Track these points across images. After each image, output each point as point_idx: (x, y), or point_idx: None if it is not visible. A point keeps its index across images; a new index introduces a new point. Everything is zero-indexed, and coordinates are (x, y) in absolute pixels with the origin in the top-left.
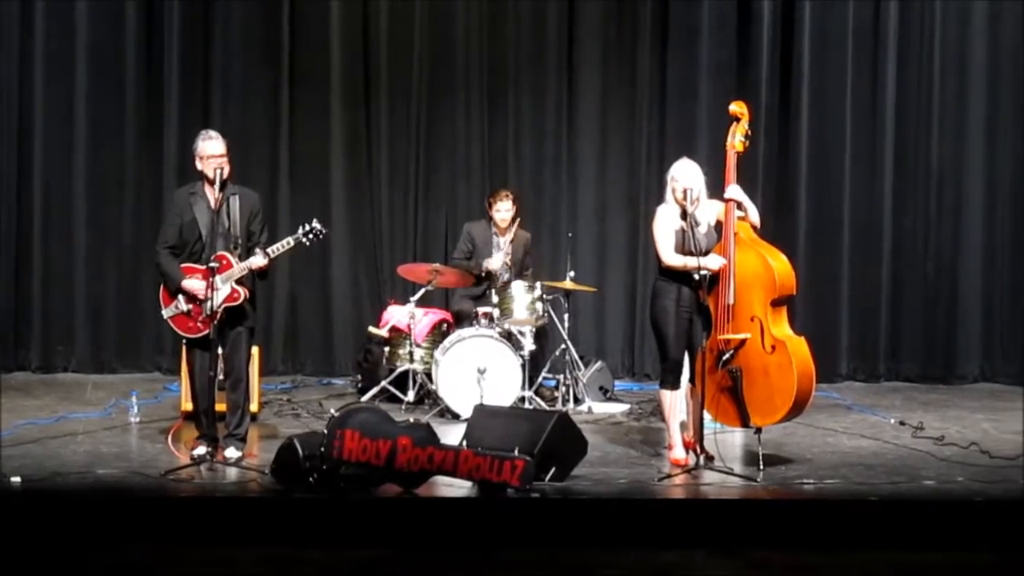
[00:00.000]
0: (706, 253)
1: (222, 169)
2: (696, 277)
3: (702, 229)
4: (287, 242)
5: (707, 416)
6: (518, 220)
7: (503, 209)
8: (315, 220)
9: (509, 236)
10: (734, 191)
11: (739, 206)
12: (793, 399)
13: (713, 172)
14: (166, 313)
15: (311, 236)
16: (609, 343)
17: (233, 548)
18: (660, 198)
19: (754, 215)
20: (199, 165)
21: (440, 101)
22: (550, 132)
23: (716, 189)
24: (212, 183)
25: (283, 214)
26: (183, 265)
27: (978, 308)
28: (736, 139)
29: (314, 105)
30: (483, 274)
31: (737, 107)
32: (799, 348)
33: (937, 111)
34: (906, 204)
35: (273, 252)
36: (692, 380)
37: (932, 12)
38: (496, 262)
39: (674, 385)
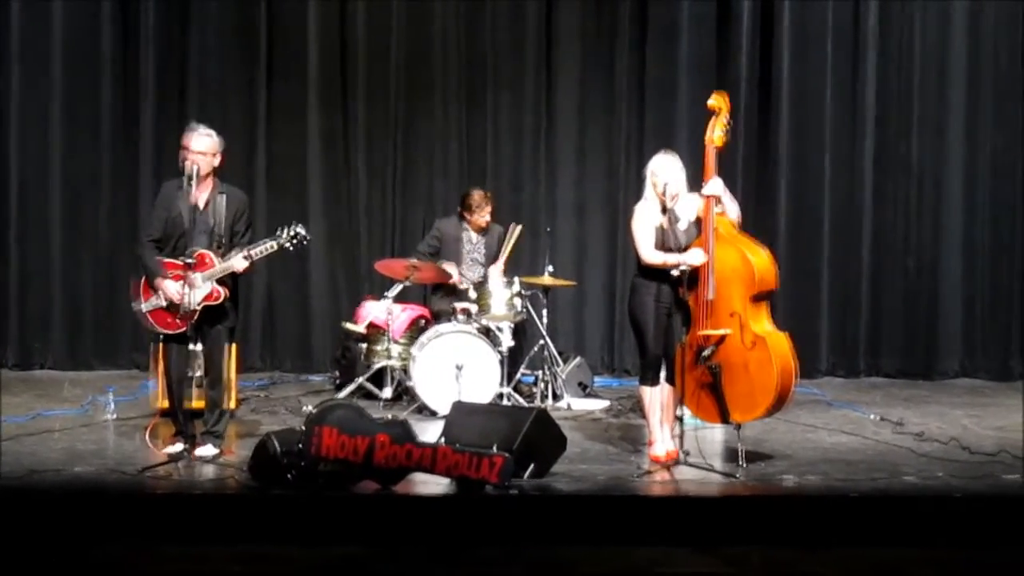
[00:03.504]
0: (686, 249)
1: (197, 166)
2: (676, 273)
3: (682, 225)
4: (269, 246)
5: (687, 413)
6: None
7: (485, 213)
8: (298, 225)
9: (484, 238)
10: (714, 186)
11: (719, 201)
12: (774, 395)
13: (693, 168)
14: (145, 307)
15: (295, 242)
16: (588, 339)
17: (210, 546)
18: (639, 194)
19: (734, 210)
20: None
21: (418, 99)
22: (528, 129)
23: (696, 185)
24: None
25: (261, 212)
26: (164, 260)
27: (958, 304)
28: (715, 133)
29: (292, 103)
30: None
31: (716, 100)
32: (780, 344)
33: (917, 108)
34: (886, 200)
35: (254, 255)
36: (671, 376)
37: (912, 10)
38: (454, 271)
39: (653, 381)
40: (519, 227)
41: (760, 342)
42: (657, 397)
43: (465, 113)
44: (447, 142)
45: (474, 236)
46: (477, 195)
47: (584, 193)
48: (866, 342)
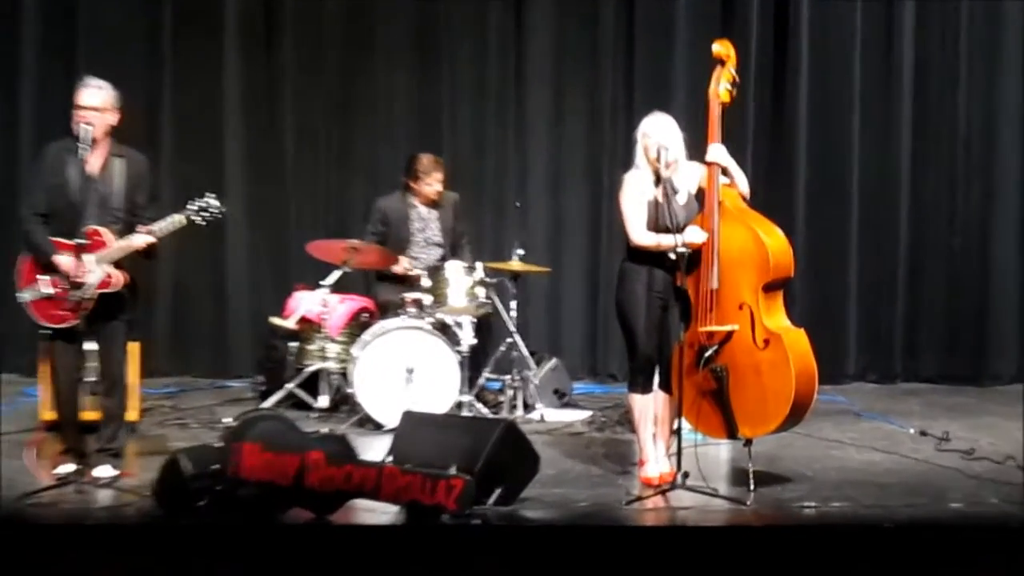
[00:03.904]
0: (684, 227)
1: (90, 125)
2: (672, 256)
3: (680, 198)
4: (176, 220)
5: (686, 426)
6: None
7: (435, 182)
8: (209, 195)
9: (437, 211)
10: (718, 152)
11: (724, 171)
12: (790, 404)
13: (693, 130)
14: (24, 296)
15: (206, 215)
16: (566, 336)
17: None
18: (628, 162)
19: (742, 182)
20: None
21: (359, 48)
22: (493, 84)
23: (697, 150)
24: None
25: (167, 181)
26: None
27: (1014, 293)
28: (721, 87)
29: (204, 54)
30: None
31: (721, 48)
32: (797, 342)
33: (964, 59)
34: (927, 171)
35: (159, 231)
36: (666, 382)
37: None
38: (405, 265)
39: (645, 388)
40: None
41: (774, 340)
42: (650, 407)
43: (416, 66)
44: (393, 100)
45: (424, 211)
46: (425, 160)
47: (561, 161)
48: (902, 340)
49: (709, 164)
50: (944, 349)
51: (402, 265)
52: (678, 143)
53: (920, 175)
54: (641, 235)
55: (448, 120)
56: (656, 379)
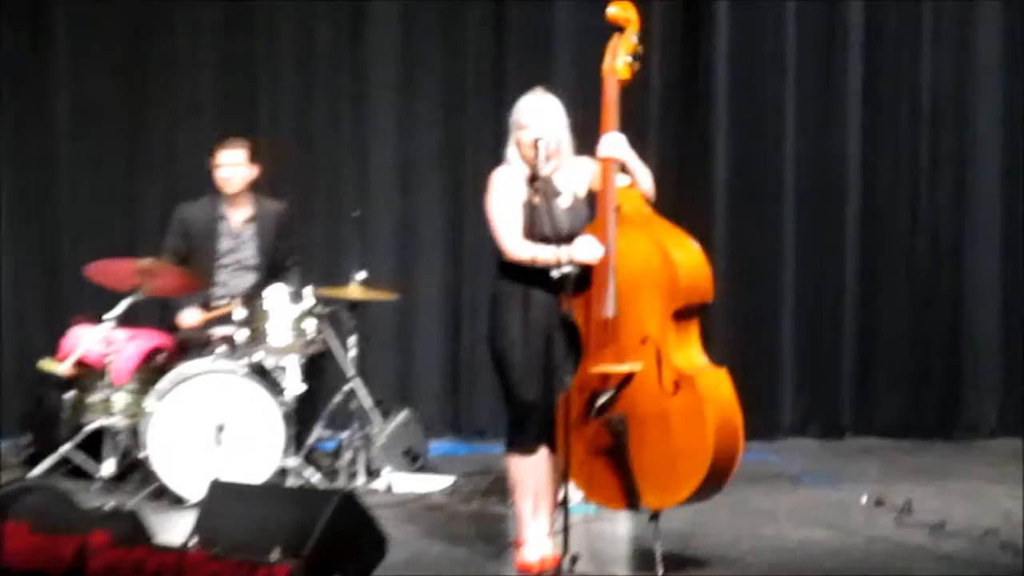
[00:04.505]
0: (571, 238)
1: None
2: (555, 275)
3: (564, 201)
4: None
5: (575, 494)
6: (254, 184)
7: (227, 162)
8: None
9: (244, 211)
10: (615, 144)
11: (623, 168)
12: (707, 466)
13: (583, 113)
14: None
15: None
16: (420, 381)
17: None
18: (497, 156)
19: (645, 180)
20: None
21: (152, 11)
22: (323, 52)
23: (587, 141)
24: None
25: None
26: None
27: (995, 316)
28: (619, 60)
29: None
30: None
31: (619, 10)
32: (717, 386)
33: (929, 14)
34: (882, 158)
35: None
36: (550, 437)
37: None
38: (192, 318)
39: (526, 447)
40: None
41: (687, 383)
42: (532, 472)
43: (223, 29)
44: (195, 74)
45: (235, 223)
46: (224, 141)
47: (411, 151)
48: (852, 381)
49: (603, 159)
50: (906, 393)
51: (188, 320)
52: (560, 131)
53: (873, 164)
54: (515, 245)
55: (266, 100)
56: (540, 433)
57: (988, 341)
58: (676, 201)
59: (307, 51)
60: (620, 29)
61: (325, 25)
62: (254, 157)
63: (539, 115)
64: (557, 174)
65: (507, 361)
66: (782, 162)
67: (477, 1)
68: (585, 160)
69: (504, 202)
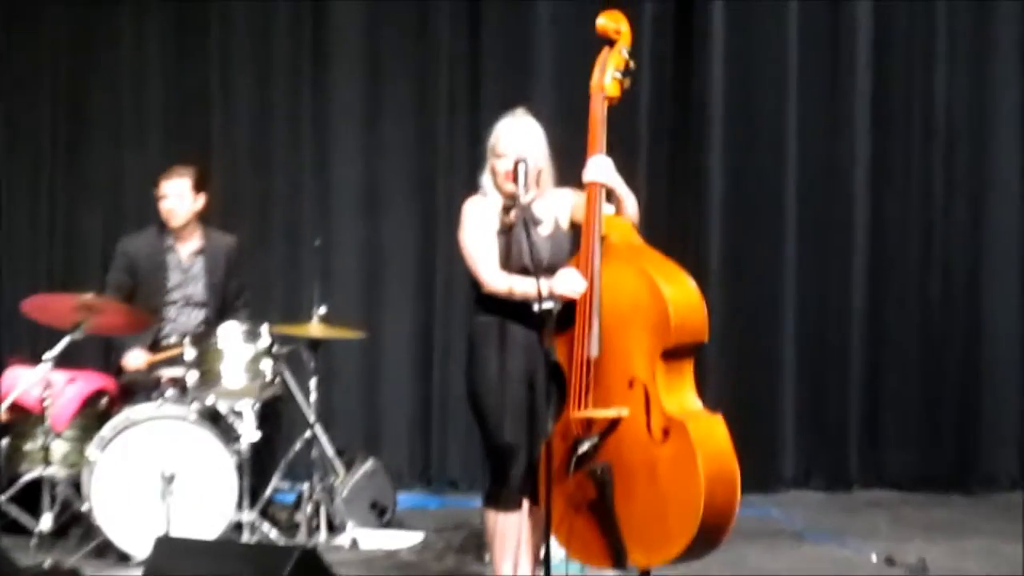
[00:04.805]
0: (552, 270)
1: None
2: (536, 310)
3: (544, 228)
4: None
5: (556, 551)
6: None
7: (171, 193)
8: None
9: (193, 243)
10: (601, 168)
11: (609, 194)
12: (699, 520)
13: (566, 135)
14: None
15: None
16: (388, 428)
17: None
18: (473, 180)
19: (631, 206)
20: None
21: (89, 12)
22: (282, 64)
23: (571, 163)
24: None
25: None
26: None
27: (1015, 356)
28: (608, 76)
29: None
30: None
31: (609, 21)
32: (711, 433)
33: (944, 29)
34: (892, 183)
35: None
36: (533, 490)
37: None
38: (137, 358)
39: (507, 501)
40: None
41: (678, 430)
42: (512, 527)
43: (172, 39)
44: (140, 91)
45: (183, 256)
46: (167, 170)
47: (378, 177)
48: (859, 429)
49: (589, 184)
50: (918, 441)
51: (134, 361)
52: (540, 155)
53: (882, 189)
54: (492, 277)
55: (219, 118)
56: (522, 486)
57: (1007, 385)
58: (667, 229)
59: (263, 67)
60: (610, 42)
61: (284, 38)
62: (201, 186)
63: (518, 140)
64: (537, 203)
65: (486, 405)
66: (783, 187)
67: (451, 13)
68: (567, 191)
69: (479, 231)
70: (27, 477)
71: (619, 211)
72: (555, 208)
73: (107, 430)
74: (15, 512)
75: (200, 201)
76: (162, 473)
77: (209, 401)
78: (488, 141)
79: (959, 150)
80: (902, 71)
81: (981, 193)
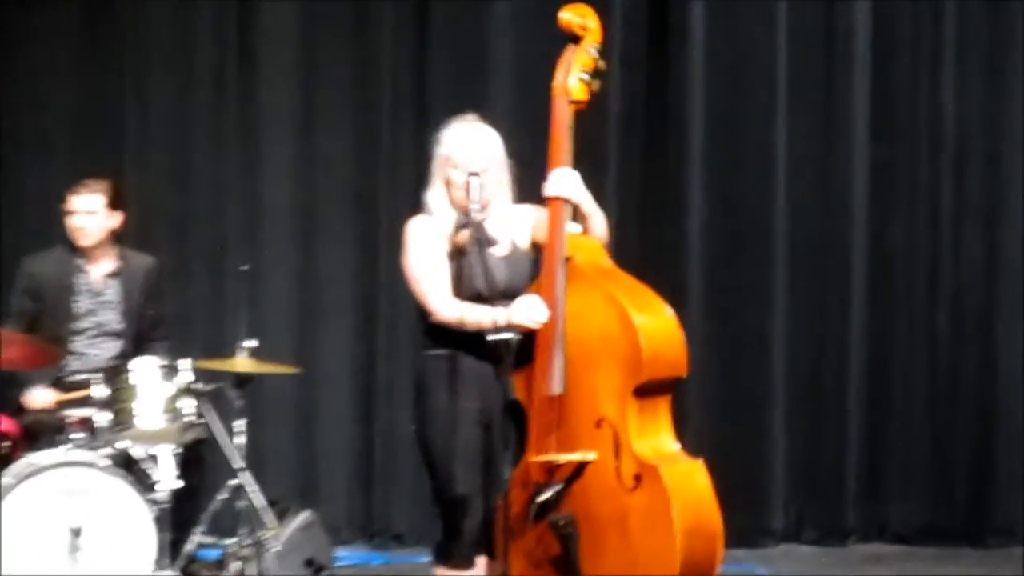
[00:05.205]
0: (510, 296)
1: None
2: (492, 342)
3: (501, 250)
4: None
5: None
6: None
7: (81, 209)
8: None
9: (106, 265)
10: (565, 181)
11: (575, 212)
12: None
13: (526, 145)
14: None
15: None
16: (325, 475)
17: None
18: (418, 199)
19: (601, 226)
20: None
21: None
22: (205, 68)
23: (532, 179)
24: None
25: None
26: None
27: None
28: (572, 77)
29: None
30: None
31: (576, 15)
32: (688, 480)
33: (952, 35)
34: (894, 202)
35: None
36: (489, 545)
37: None
38: (42, 397)
39: (460, 557)
40: None
41: (651, 476)
42: None
43: (79, 39)
44: (46, 97)
45: (95, 278)
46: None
47: (313, 194)
48: (857, 476)
49: (551, 200)
50: (924, 490)
51: (38, 400)
52: (498, 166)
53: (884, 210)
54: (442, 305)
55: (134, 124)
56: (476, 540)
57: (1019, 428)
58: (641, 251)
59: (184, 71)
60: (576, 39)
61: (206, 40)
62: (116, 202)
63: (471, 147)
64: (492, 221)
65: (436, 450)
66: (771, 205)
67: (394, 10)
68: (528, 207)
69: (426, 254)
70: None
71: (586, 230)
72: (513, 227)
73: (7, 477)
74: None
75: (115, 219)
76: (69, 526)
77: (122, 445)
78: (437, 152)
79: (971, 165)
80: (906, 75)
81: (996, 215)
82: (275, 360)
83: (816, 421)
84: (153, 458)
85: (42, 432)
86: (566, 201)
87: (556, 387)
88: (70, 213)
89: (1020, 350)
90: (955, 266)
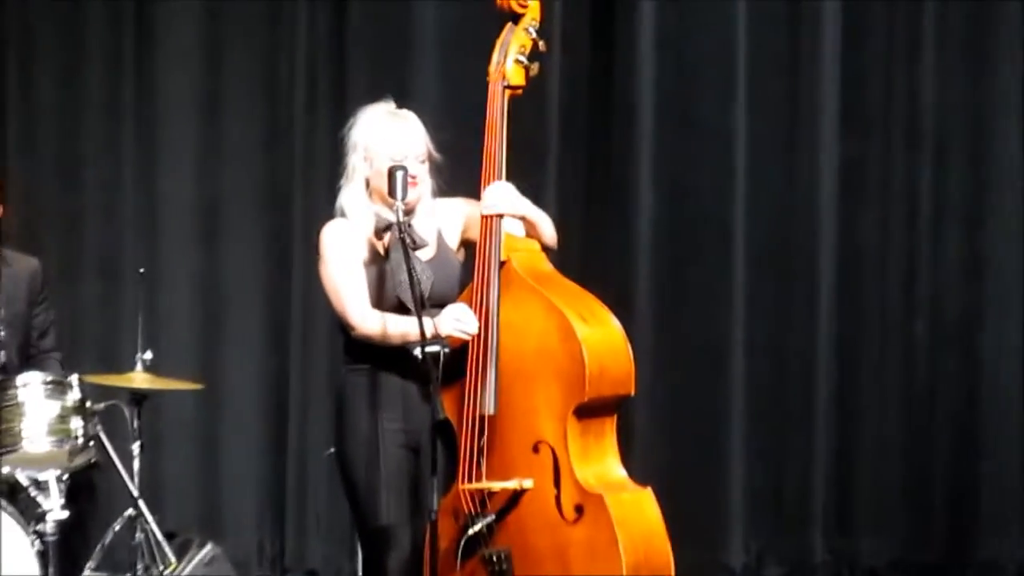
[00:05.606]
0: (440, 305)
1: None
2: (417, 355)
3: (427, 253)
4: None
5: None
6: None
7: None
8: None
9: None
10: (500, 197)
11: (523, 218)
12: None
13: (455, 134)
14: None
15: None
16: (231, 504)
17: None
18: (332, 197)
19: (549, 232)
20: None
21: None
22: (97, 53)
23: (466, 175)
24: None
25: None
26: None
27: (1018, 415)
28: (510, 60)
29: None
30: None
31: None
32: (636, 511)
33: (931, 29)
34: (867, 194)
35: None
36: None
37: None
38: None
39: None
40: None
41: (594, 506)
42: None
43: None
44: None
45: None
46: None
47: (218, 190)
48: (827, 505)
49: (486, 219)
50: (901, 519)
51: None
52: (419, 159)
53: (854, 209)
54: (363, 316)
55: (18, 121)
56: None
57: (1010, 451)
58: (584, 256)
59: (74, 56)
60: (514, 17)
61: (98, 22)
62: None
63: (393, 138)
64: (418, 220)
65: (357, 476)
66: (729, 205)
67: None
68: (458, 201)
69: (343, 262)
70: None
71: (534, 231)
72: (442, 225)
73: None
74: None
75: None
76: None
77: (5, 470)
78: (353, 143)
79: (951, 161)
80: (879, 62)
81: (979, 214)
82: (175, 375)
83: (779, 443)
84: (39, 485)
85: None
86: (498, 216)
87: (489, 407)
88: None
89: (1005, 361)
90: (933, 270)
